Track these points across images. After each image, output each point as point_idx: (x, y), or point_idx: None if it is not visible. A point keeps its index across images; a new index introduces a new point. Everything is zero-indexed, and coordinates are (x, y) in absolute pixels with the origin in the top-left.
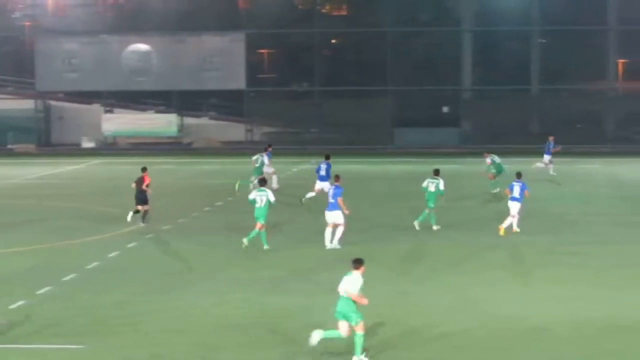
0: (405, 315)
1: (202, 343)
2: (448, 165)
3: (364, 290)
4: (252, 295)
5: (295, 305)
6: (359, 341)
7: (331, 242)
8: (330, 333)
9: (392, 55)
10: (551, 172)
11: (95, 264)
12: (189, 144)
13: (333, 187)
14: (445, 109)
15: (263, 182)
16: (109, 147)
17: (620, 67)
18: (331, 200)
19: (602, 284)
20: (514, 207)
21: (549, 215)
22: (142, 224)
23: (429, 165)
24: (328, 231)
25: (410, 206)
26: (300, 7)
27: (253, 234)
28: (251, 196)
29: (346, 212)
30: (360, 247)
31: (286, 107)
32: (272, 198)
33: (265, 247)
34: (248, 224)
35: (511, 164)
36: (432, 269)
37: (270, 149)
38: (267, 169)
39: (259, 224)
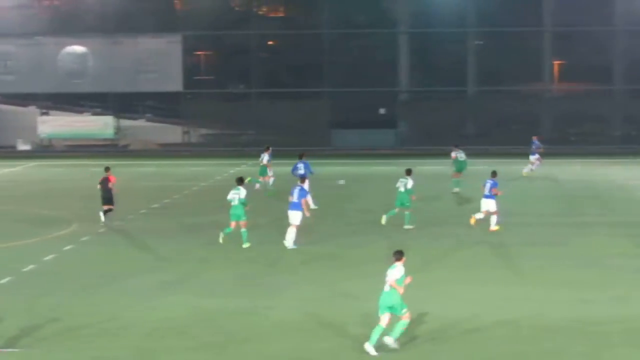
0: (335, 318)
1: (138, 346)
2: (385, 167)
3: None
4: (188, 298)
5: (233, 308)
6: (401, 327)
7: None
8: (376, 334)
9: (328, 57)
10: (525, 170)
11: (31, 267)
12: (126, 146)
13: (299, 187)
14: (382, 111)
15: (240, 181)
16: (45, 150)
17: (555, 68)
18: (295, 200)
19: (536, 283)
20: (485, 204)
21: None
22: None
23: (366, 166)
24: (292, 232)
25: (358, 208)
26: (237, 9)
27: (228, 230)
28: (229, 196)
29: (307, 214)
30: (320, 246)
31: (223, 109)
32: (242, 195)
33: (245, 244)
34: (183, 226)
35: (446, 166)
36: (375, 271)
37: (269, 150)
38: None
39: (233, 223)
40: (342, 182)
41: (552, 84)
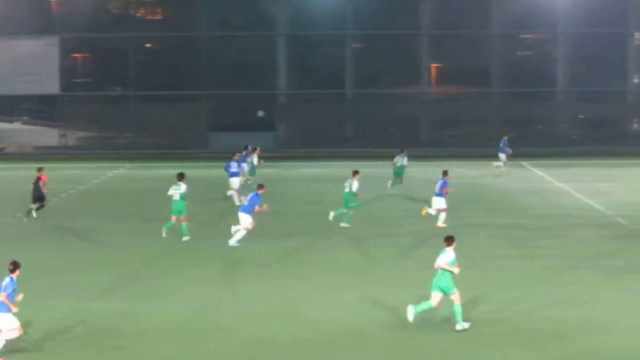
0: (218, 320)
1: (24, 349)
2: (263, 170)
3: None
4: (73, 302)
5: (119, 311)
6: (458, 310)
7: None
8: (423, 305)
9: (207, 60)
10: (502, 169)
11: None
12: (2, 149)
13: (254, 194)
14: (260, 113)
15: (181, 176)
16: None
17: (433, 71)
18: (246, 203)
19: (418, 285)
20: (436, 202)
21: (376, 218)
22: (25, 219)
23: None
24: (241, 234)
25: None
26: (114, 11)
27: (169, 224)
28: (169, 192)
29: (258, 209)
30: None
31: (100, 112)
32: (182, 190)
33: (185, 237)
34: (61, 229)
35: (330, 168)
36: (253, 275)
37: (256, 152)
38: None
39: (174, 217)
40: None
41: (430, 87)
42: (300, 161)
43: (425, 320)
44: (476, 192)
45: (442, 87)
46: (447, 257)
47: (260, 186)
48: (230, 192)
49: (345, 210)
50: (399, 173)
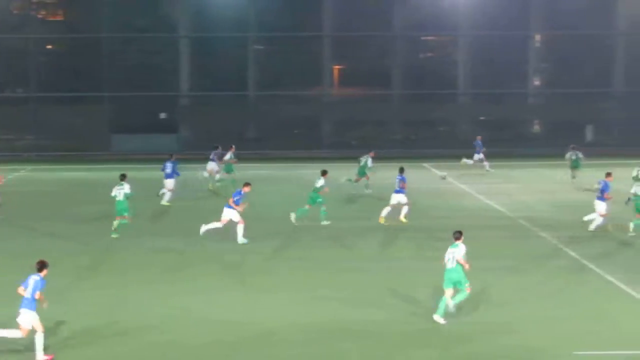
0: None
1: None
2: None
3: None
4: None
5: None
6: (462, 297)
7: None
8: (441, 306)
9: (109, 61)
10: (487, 169)
11: None
12: None
13: (238, 191)
14: (162, 115)
15: (123, 176)
16: None
17: (335, 73)
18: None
19: (328, 286)
20: (395, 197)
21: (272, 219)
22: None
23: (147, 171)
24: (214, 225)
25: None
26: (15, 12)
27: (116, 224)
28: (113, 192)
29: (239, 208)
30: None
31: (1, 114)
32: (126, 190)
33: (114, 235)
34: None
35: (239, 170)
36: (148, 278)
37: (232, 149)
38: (213, 166)
39: (126, 216)
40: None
41: (332, 89)
42: (202, 162)
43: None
44: (378, 193)
45: (344, 89)
46: (461, 251)
47: (247, 184)
48: (163, 191)
49: (307, 207)
50: (360, 172)
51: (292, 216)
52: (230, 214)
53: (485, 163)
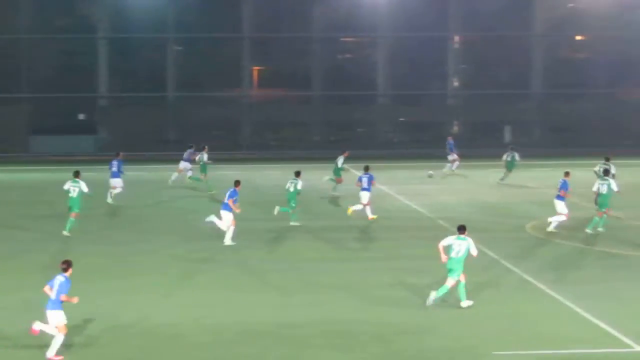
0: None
1: None
2: (86, 173)
3: None
4: None
5: None
6: (463, 289)
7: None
8: (442, 290)
9: (27, 62)
10: (453, 169)
11: None
12: None
13: (232, 190)
14: (81, 117)
15: (77, 173)
16: None
17: (255, 74)
18: (225, 201)
19: (235, 288)
20: (364, 196)
21: (184, 223)
22: None
23: (65, 172)
24: (215, 218)
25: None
26: None
27: (72, 221)
28: (65, 186)
29: (237, 211)
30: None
31: None
32: (85, 189)
33: (65, 232)
34: None
35: (147, 172)
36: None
37: (205, 149)
38: (185, 165)
39: (73, 213)
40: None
41: (252, 90)
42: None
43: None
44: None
45: (264, 90)
46: (470, 244)
47: (237, 182)
48: (112, 191)
49: (290, 209)
50: (335, 173)
51: (276, 209)
52: (227, 216)
53: (455, 163)
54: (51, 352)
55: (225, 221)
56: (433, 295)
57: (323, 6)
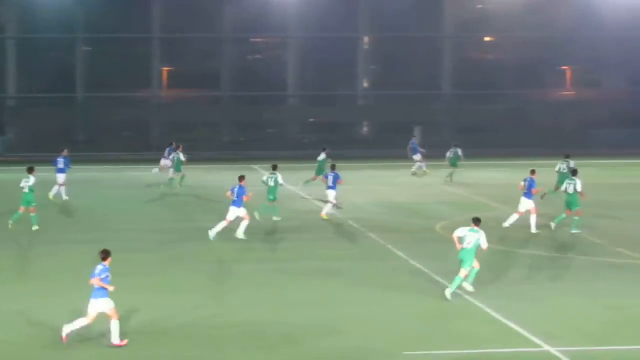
0: None
1: None
2: None
3: None
4: None
5: None
6: (474, 275)
7: (239, 234)
8: (456, 281)
9: None
10: (424, 168)
11: None
12: None
13: (238, 186)
14: None
15: (31, 170)
16: None
17: (164, 75)
18: (235, 198)
19: (149, 289)
20: (330, 194)
21: (94, 222)
22: None
23: None
24: (222, 225)
25: None
26: None
27: (17, 215)
28: (21, 184)
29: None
30: None
31: None
32: (31, 183)
33: (34, 227)
34: None
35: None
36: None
37: (180, 149)
38: (165, 162)
39: (23, 208)
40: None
41: (162, 91)
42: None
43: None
44: (206, 195)
45: (173, 91)
46: (483, 236)
47: (242, 177)
48: (57, 187)
49: (268, 204)
50: (318, 170)
51: (256, 215)
52: (237, 212)
53: (422, 165)
54: (115, 339)
55: (240, 214)
56: (449, 291)
57: (233, 7)
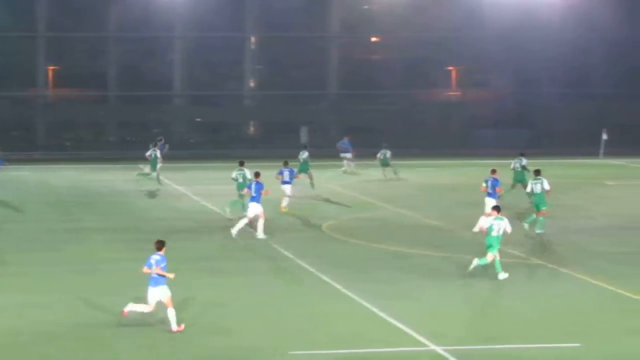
0: None
1: None
2: None
3: None
4: None
5: None
6: (499, 263)
7: (258, 233)
8: (498, 265)
9: None
10: (352, 168)
11: None
12: None
13: (255, 182)
14: None
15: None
16: None
17: (50, 73)
18: (254, 194)
19: (29, 291)
20: (287, 189)
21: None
22: None
23: None
24: (243, 222)
25: None
26: None
27: None
28: None
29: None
30: None
31: None
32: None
33: None
34: None
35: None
36: None
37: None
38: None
39: None
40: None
41: (47, 90)
42: None
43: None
44: (92, 195)
45: (59, 90)
46: (506, 223)
47: (258, 174)
48: None
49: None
50: (302, 168)
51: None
52: (257, 209)
53: (352, 163)
54: (174, 325)
55: (258, 211)
56: (502, 275)
57: (119, 5)
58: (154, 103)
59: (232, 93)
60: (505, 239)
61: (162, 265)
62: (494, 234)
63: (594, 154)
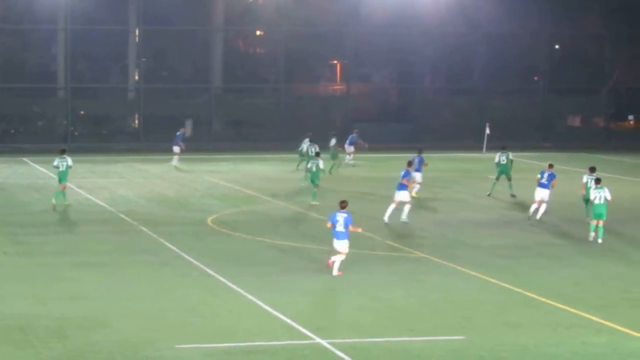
0: None
1: None
2: None
3: None
4: None
5: None
6: (601, 231)
7: None
8: (601, 231)
9: None
10: (351, 162)
11: None
12: None
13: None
14: None
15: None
16: None
17: None
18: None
19: None
20: (417, 176)
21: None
22: None
23: None
24: (391, 208)
25: None
26: None
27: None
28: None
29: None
30: None
31: None
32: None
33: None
34: None
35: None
36: None
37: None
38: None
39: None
40: None
41: None
42: None
43: None
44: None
45: None
46: (606, 191)
47: (411, 162)
48: None
49: None
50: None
51: None
52: (403, 195)
53: (349, 156)
54: (335, 271)
55: (403, 199)
56: (592, 234)
57: None
58: (36, 96)
59: (115, 86)
60: (387, 232)
61: (349, 221)
62: (597, 202)
63: (477, 148)
